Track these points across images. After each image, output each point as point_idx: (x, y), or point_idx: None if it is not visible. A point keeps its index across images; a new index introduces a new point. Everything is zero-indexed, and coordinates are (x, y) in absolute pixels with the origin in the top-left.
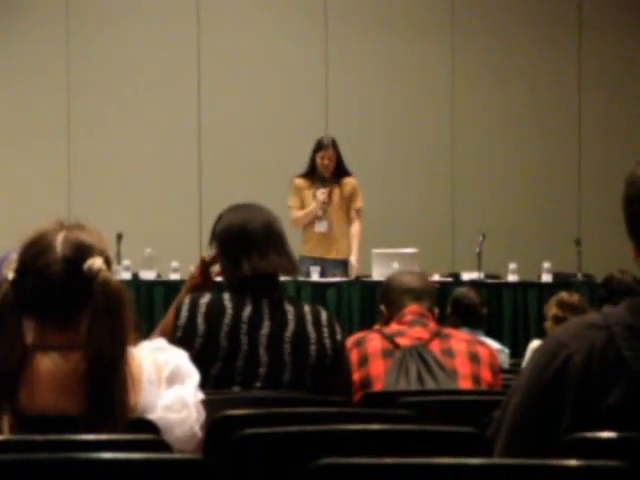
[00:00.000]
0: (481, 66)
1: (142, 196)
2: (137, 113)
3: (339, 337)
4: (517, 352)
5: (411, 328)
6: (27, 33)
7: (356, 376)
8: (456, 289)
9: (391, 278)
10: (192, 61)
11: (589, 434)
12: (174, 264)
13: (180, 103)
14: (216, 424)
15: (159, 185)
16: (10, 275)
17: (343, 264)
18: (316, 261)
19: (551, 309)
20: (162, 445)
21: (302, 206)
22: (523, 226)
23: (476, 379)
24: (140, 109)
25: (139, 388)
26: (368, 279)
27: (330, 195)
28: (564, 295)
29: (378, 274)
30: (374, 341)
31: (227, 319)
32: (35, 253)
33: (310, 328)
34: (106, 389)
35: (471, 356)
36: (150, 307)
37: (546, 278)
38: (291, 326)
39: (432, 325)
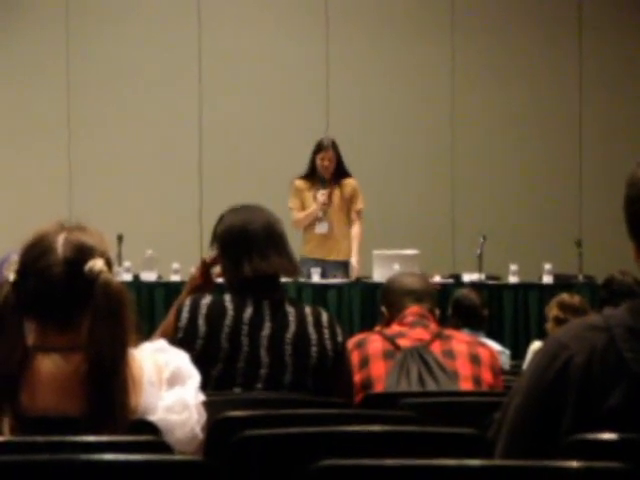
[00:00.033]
0: (481, 66)
1: (143, 197)
2: (137, 113)
3: (340, 338)
4: (518, 353)
5: (412, 329)
6: (27, 33)
7: (357, 377)
8: (457, 290)
9: (392, 279)
10: (193, 61)
11: (590, 435)
12: (175, 265)
13: (180, 103)
14: (217, 425)
15: (159, 186)
16: (11, 276)
17: (344, 265)
18: (317, 262)
19: (552, 310)
20: (163, 446)
21: (302, 208)
22: (524, 227)
23: (477, 380)
24: (140, 109)
25: (140, 389)
26: (369, 280)
27: (330, 196)
28: (565, 296)
29: (379, 275)
30: (375, 342)
31: (228, 320)
32: (36, 255)
33: (311, 329)
34: (107, 390)
35: (472, 357)
36: (151, 308)
37: (547, 279)
38: (292, 327)
39: (433, 326)
